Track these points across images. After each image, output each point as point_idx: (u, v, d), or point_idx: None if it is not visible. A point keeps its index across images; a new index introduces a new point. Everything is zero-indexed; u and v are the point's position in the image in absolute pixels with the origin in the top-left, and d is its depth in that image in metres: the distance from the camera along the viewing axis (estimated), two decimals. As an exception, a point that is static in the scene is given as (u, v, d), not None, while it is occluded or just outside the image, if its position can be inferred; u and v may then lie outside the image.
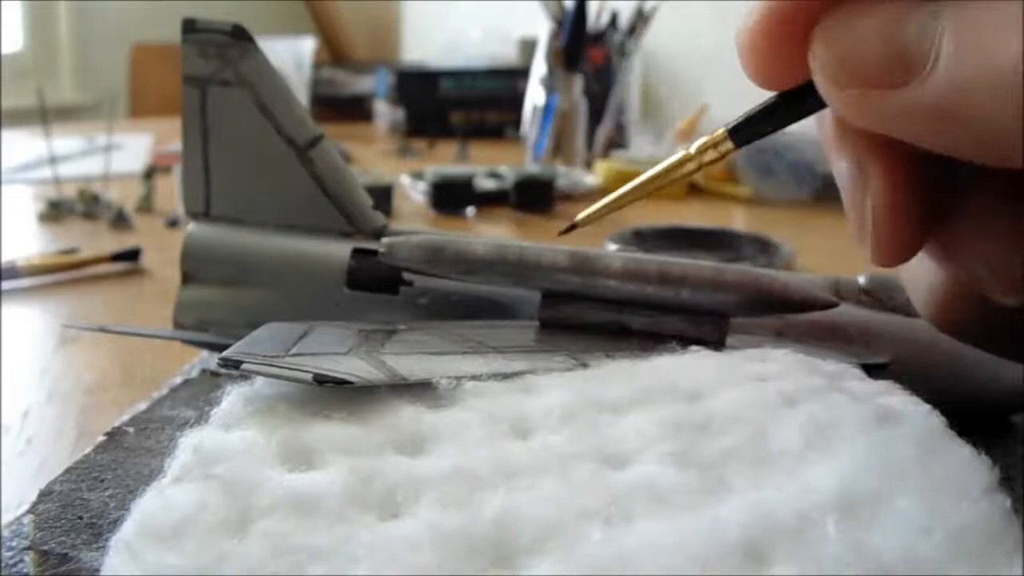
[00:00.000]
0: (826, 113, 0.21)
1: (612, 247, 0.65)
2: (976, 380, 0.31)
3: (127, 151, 1.09)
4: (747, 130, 0.22)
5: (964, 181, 0.20)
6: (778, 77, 0.21)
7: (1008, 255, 0.20)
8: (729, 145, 0.23)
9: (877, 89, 0.18)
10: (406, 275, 0.33)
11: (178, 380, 0.35)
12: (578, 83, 1.04)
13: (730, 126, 0.22)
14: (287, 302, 0.33)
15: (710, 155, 0.23)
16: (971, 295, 0.22)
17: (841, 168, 0.21)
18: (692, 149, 0.23)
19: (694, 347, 0.26)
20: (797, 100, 0.21)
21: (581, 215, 0.26)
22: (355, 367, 0.24)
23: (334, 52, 2.23)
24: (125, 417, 0.32)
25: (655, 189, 0.24)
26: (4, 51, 2.12)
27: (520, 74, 1.28)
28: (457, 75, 1.44)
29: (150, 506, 0.18)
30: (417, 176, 0.88)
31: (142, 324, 0.49)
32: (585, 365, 0.26)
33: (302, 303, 0.33)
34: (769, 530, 0.17)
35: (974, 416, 0.23)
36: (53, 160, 0.84)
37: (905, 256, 0.21)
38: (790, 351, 0.26)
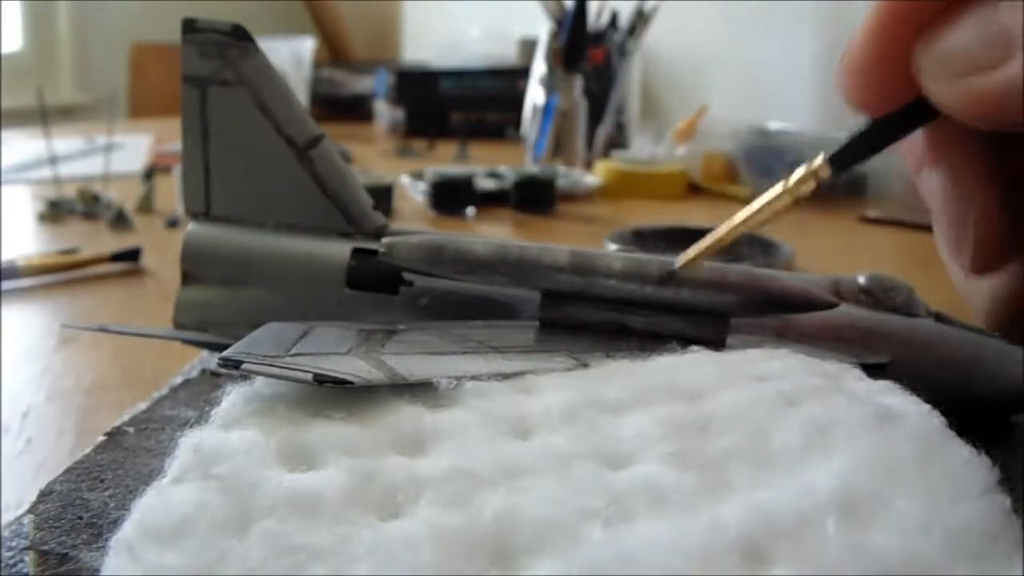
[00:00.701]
0: (916, 136, 0.22)
1: (612, 247, 0.65)
2: (976, 380, 0.31)
3: (127, 151, 1.09)
4: (847, 156, 0.23)
5: None
6: (879, 95, 0.22)
7: None
8: (827, 172, 0.23)
9: (982, 72, 0.19)
10: (406, 275, 0.33)
11: (178, 380, 0.35)
12: (578, 83, 1.04)
13: (831, 154, 0.23)
14: (287, 302, 0.33)
15: (807, 186, 0.23)
16: None
17: (934, 186, 0.22)
18: (791, 182, 0.24)
19: (694, 347, 0.26)
20: (897, 119, 0.22)
21: (682, 259, 0.26)
22: (355, 367, 0.24)
23: (334, 52, 2.23)
24: (125, 417, 0.32)
25: (755, 225, 0.25)
26: (4, 51, 2.12)
27: (520, 74, 1.28)
28: (457, 75, 1.44)
29: (150, 506, 0.18)
30: (417, 176, 0.88)
31: (142, 324, 0.49)
32: (585, 365, 0.26)
33: (302, 303, 0.33)
34: (769, 530, 0.17)
35: (974, 416, 0.23)
36: (53, 160, 0.84)
37: (1000, 263, 0.22)
38: (790, 351, 0.26)
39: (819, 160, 0.23)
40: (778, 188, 0.24)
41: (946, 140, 0.22)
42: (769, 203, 0.24)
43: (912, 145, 0.23)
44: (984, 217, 0.21)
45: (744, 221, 0.24)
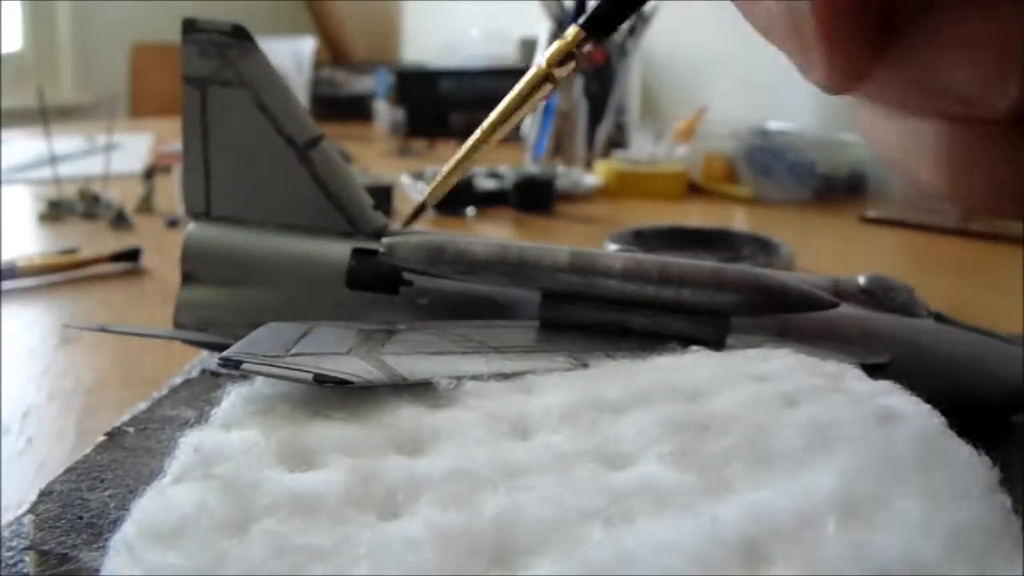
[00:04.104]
0: None
1: (612, 247, 0.65)
2: (976, 380, 0.31)
3: (127, 151, 1.09)
4: (604, 16, 0.20)
5: None
6: None
7: (992, 37, 0.15)
8: (587, 44, 0.20)
9: None
10: (406, 275, 0.33)
11: (178, 380, 0.35)
12: (578, 83, 1.04)
13: (584, 21, 0.20)
14: (287, 302, 0.33)
15: (567, 67, 0.20)
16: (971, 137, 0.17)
17: None
18: (546, 59, 0.20)
19: (694, 347, 0.26)
20: None
21: (430, 186, 0.23)
22: (355, 367, 0.24)
23: (334, 52, 2.23)
24: (125, 417, 0.32)
25: (507, 129, 0.21)
26: (4, 51, 2.12)
27: (520, 74, 1.27)
28: (457, 75, 1.44)
29: (150, 506, 0.18)
30: (417, 176, 0.88)
31: (142, 324, 0.49)
32: (585, 365, 0.26)
33: (302, 303, 0.33)
34: (769, 530, 0.17)
35: (974, 416, 0.23)
36: (53, 160, 0.84)
37: (862, 69, 0.17)
38: (790, 351, 0.26)
39: (574, 31, 0.20)
40: (534, 73, 0.21)
41: None
42: (528, 91, 0.21)
43: None
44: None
45: (503, 117, 0.21)
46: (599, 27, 0.20)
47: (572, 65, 0.20)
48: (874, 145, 0.20)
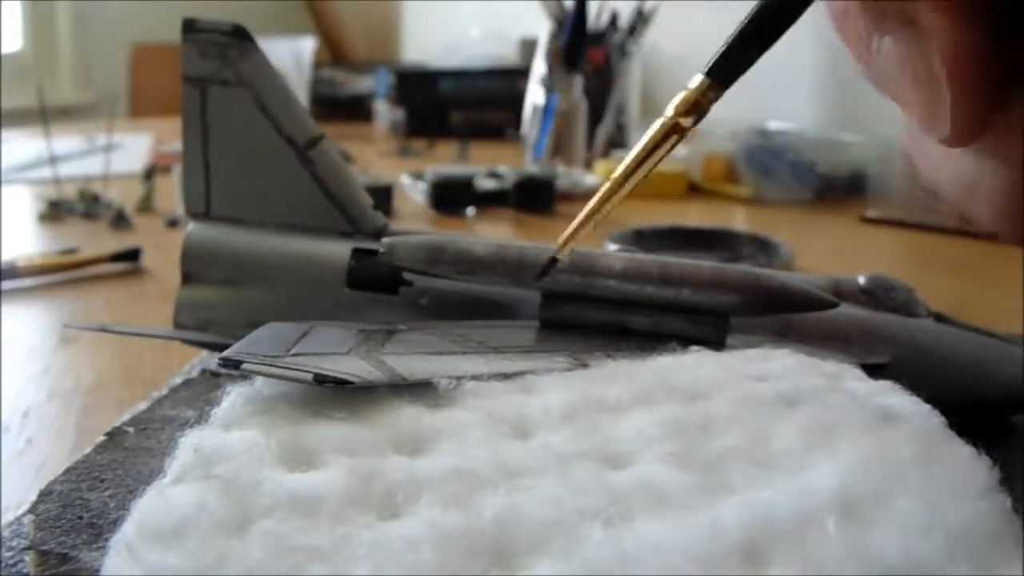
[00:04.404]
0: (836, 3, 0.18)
1: (612, 247, 0.65)
2: (976, 380, 0.31)
3: (127, 151, 1.09)
4: (730, 64, 0.19)
5: None
6: None
7: None
8: (714, 92, 0.20)
9: None
10: (406, 275, 0.33)
11: (178, 380, 0.35)
12: (578, 83, 1.04)
13: (709, 68, 0.19)
14: (287, 302, 0.33)
15: (694, 113, 0.20)
16: None
17: (886, 46, 0.18)
18: (672, 112, 0.20)
19: (694, 347, 0.26)
20: (779, 7, 0.18)
21: (561, 240, 0.22)
22: (355, 367, 0.24)
23: (334, 52, 2.23)
24: (125, 417, 0.32)
25: (635, 182, 0.21)
26: (4, 51, 2.12)
27: (520, 74, 1.27)
28: (457, 75, 1.44)
29: (150, 506, 0.18)
30: (417, 176, 0.88)
31: (142, 324, 0.49)
32: (585, 365, 0.26)
33: (302, 303, 0.33)
34: (769, 530, 0.17)
35: (974, 416, 0.23)
36: (53, 160, 0.84)
37: (984, 127, 0.17)
38: (790, 351, 0.26)
39: (698, 79, 0.19)
40: (661, 125, 0.20)
41: None
42: (655, 144, 0.20)
43: (842, 10, 0.18)
44: (955, 54, 0.16)
45: (628, 167, 0.20)
46: (726, 73, 0.19)
47: (699, 115, 0.20)
48: (931, 177, 0.20)
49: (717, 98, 0.20)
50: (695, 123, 0.20)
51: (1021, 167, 0.18)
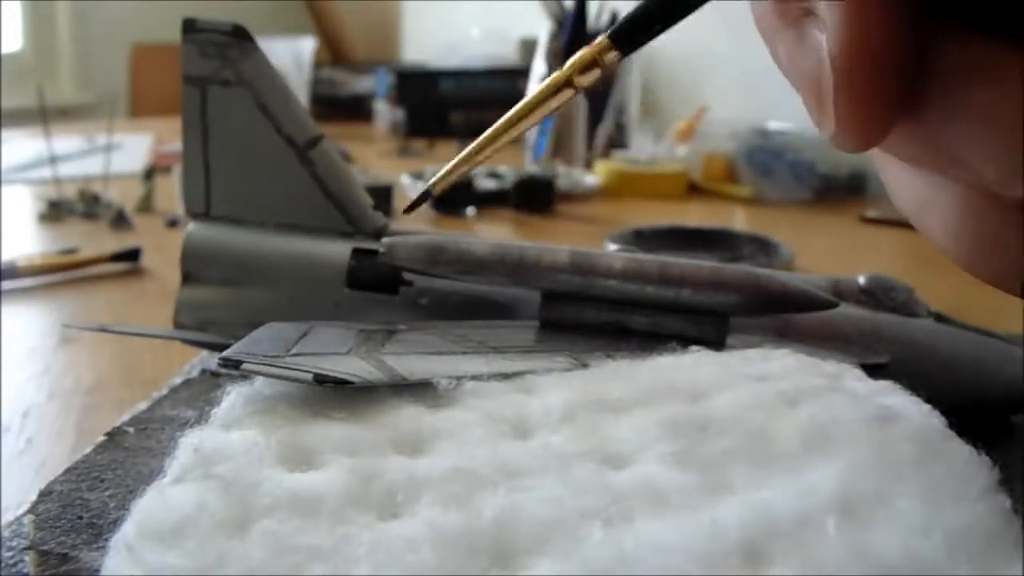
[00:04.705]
0: None
1: (612, 247, 0.65)
2: (976, 380, 0.31)
3: (127, 151, 1.09)
4: (634, 30, 0.19)
5: (942, 29, 0.15)
6: None
7: (1012, 120, 0.14)
8: (613, 56, 0.19)
9: None
10: (406, 275, 0.33)
11: (178, 380, 0.35)
12: (578, 83, 1.04)
13: (612, 31, 0.19)
14: (287, 302, 0.33)
15: (590, 76, 0.19)
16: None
17: (788, 38, 0.17)
18: (569, 67, 0.19)
19: (694, 347, 0.26)
20: None
21: (435, 177, 0.22)
22: (355, 367, 0.24)
23: (334, 52, 2.23)
24: (125, 417, 0.32)
25: (521, 130, 0.20)
26: (4, 51, 2.12)
27: (520, 74, 1.27)
28: (457, 75, 1.44)
29: (150, 506, 0.18)
30: (417, 176, 0.88)
31: (142, 324, 0.49)
32: (585, 365, 0.26)
33: (302, 303, 0.33)
34: (769, 530, 0.17)
35: (974, 416, 0.23)
36: (53, 160, 0.84)
37: (879, 127, 0.16)
38: (790, 351, 0.26)
39: (600, 40, 0.19)
40: (555, 77, 0.20)
41: None
42: (547, 95, 0.20)
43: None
44: (847, 39, 0.15)
45: (519, 117, 0.20)
46: (627, 40, 0.19)
47: (595, 74, 0.19)
48: (893, 192, 0.19)
49: (615, 62, 0.19)
50: (590, 83, 0.20)
51: (951, 180, 0.17)
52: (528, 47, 1.29)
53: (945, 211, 0.17)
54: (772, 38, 0.17)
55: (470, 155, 0.21)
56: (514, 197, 0.84)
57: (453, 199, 0.82)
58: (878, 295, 0.32)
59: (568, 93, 0.19)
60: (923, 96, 0.16)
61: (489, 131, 0.21)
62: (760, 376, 0.24)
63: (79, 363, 0.45)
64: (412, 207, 0.23)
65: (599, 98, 1.08)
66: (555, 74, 0.20)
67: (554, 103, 0.20)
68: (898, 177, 0.19)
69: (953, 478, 0.18)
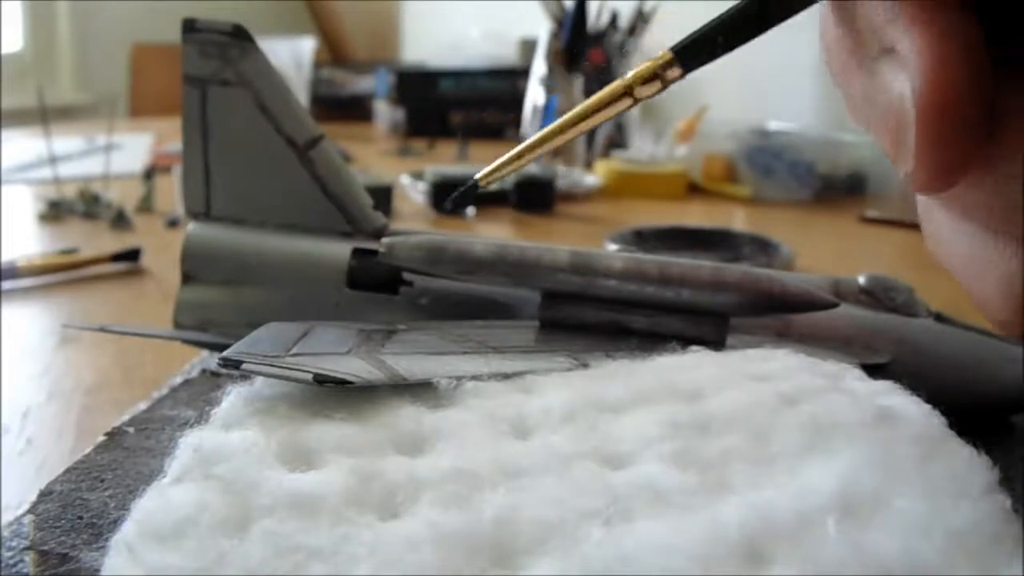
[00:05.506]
0: (834, 29, 0.17)
1: (612, 247, 0.65)
2: (976, 380, 0.31)
3: (127, 151, 1.09)
4: (699, 50, 0.19)
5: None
6: None
7: None
8: (676, 71, 0.19)
9: None
10: (406, 275, 0.33)
11: (178, 380, 0.35)
12: (578, 83, 1.04)
13: (677, 46, 0.19)
14: (287, 302, 0.33)
15: (650, 88, 0.19)
16: None
17: (864, 78, 0.16)
18: (631, 78, 0.19)
19: (694, 347, 0.26)
20: (763, 7, 0.18)
21: (486, 170, 0.21)
22: (355, 367, 0.24)
23: (334, 52, 2.23)
24: (125, 417, 0.32)
25: (575, 134, 0.20)
26: (4, 51, 2.12)
27: (520, 74, 1.28)
28: (457, 75, 1.44)
29: (150, 506, 0.18)
30: (417, 176, 0.88)
31: (142, 324, 0.49)
32: (585, 365, 0.26)
33: (302, 303, 0.33)
34: (769, 530, 0.17)
35: (974, 416, 0.23)
36: (53, 160, 0.84)
37: (957, 170, 0.15)
38: (790, 351, 0.26)
39: (664, 54, 0.19)
40: (616, 85, 0.20)
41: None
42: (605, 102, 0.20)
43: (833, 31, 0.17)
44: (931, 82, 0.15)
45: (574, 121, 0.20)
46: (691, 56, 0.19)
47: (656, 86, 0.19)
48: (934, 241, 0.19)
49: (676, 78, 0.19)
50: (649, 95, 0.20)
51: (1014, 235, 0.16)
52: (528, 47, 1.29)
53: (994, 267, 0.17)
54: (845, 74, 0.17)
55: (520, 153, 0.21)
56: (514, 197, 0.84)
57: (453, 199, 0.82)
58: (878, 295, 0.32)
59: (626, 102, 0.19)
60: (998, 144, 0.15)
61: (542, 132, 0.21)
62: (760, 376, 0.24)
63: (79, 363, 0.45)
64: (458, 201, 0.23)
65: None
66: (616, 82, 0.19)
67: (611, 111, 0.20)
68: (945, 226, 0.18)
69: (953, 478, 0.18)
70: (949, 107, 0.15)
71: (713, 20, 0.19)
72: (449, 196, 0.24)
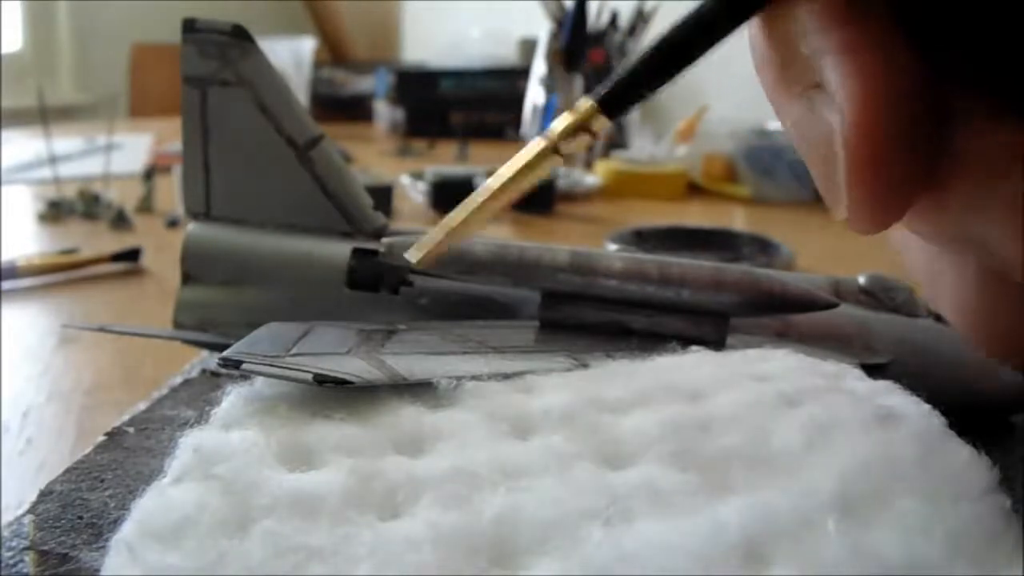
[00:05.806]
0: (763, 53, 0.16)
1: (612, 247, 0.65)
2: (976, 380, 0.31)
3: (127, 151, 1.09)
4: (622, 94, 0.17)
5: (967, 104, 0.14)
6: None
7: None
8: (602, 121, 0.18)
9: None
10: (406, 275, 0.33)
11: (178, 380, 0.35)
12: (578, 83, 1.04)
13: (598, 95, 0.17)
14: (287, 302, 0.33)
15: (578, 142, 0.18)
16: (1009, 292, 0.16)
17: (795, 110, 0.15)
18: (553, 134, 0.18)
19: (694, 347, 0.26)
20: (688, 32, 0.16)
21: (414, 249, 0.20)
22: (355, 367, 0.24)
23: (334, 52, 2.23)
24: (125, 417, 0.32)
25: (505, 200, 0.18)
26: (4, 51, 2.12)
27: (520, 74, 1.28)
28: (457, 75, 1.44)
29: (150, 506, 0.18)
30: (417, 176, 0.88)
31: (142, 324, 0.49)
32: (585, 365, 0.26)
33: (302, 303, 0.33)
34: (769, 530, 0.17)
35: (974, 416, 0.23)
36: (53, 160, 0.84)
37: (893, 213, 0.15)
38: (790, 351, 0.26)
39: (586, 105, 0.17)
40: (539, 144, 0.18)
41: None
42: (531, 165, 0.18)
43: (764, 57, 0.16)
44: (859, 123, 0.14)
45: (498, 187, 0.18)
46: (615, 104, 0.17)
47: (584, 140, 0.18)
48: (905, 260, 0.18)
49: (602, 127, 0.18)
50: (577, 149, 0.18)
51: (973, 259, 0.16)
52: (528, 47, 1.29)
53: (954, 286, 0.17)
54: (776, 97, 0.16)
55: (452, 228, 0.19)
56: (514, 197, 0.84)
57: (453, 199, 0.82)
58: (878, 295, 0.32)
59: (554, 160, 0.18)
60: (943, 175, 0.15)
61: (470, 201, 0.19)
62: (760, 376, 0.24)
63: (79, 363, 0.45)
64: (395, 287, 0.22)
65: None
66: (537, 140, 0.18)
67: (539, 171, 0.18)
68: (909, 246, 0.18)
69: (953, 478, 0.18)
70: (877, 154, 0.14)
71: (634, 61, 0.17)
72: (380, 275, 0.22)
